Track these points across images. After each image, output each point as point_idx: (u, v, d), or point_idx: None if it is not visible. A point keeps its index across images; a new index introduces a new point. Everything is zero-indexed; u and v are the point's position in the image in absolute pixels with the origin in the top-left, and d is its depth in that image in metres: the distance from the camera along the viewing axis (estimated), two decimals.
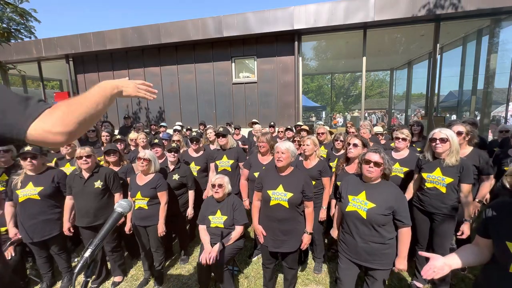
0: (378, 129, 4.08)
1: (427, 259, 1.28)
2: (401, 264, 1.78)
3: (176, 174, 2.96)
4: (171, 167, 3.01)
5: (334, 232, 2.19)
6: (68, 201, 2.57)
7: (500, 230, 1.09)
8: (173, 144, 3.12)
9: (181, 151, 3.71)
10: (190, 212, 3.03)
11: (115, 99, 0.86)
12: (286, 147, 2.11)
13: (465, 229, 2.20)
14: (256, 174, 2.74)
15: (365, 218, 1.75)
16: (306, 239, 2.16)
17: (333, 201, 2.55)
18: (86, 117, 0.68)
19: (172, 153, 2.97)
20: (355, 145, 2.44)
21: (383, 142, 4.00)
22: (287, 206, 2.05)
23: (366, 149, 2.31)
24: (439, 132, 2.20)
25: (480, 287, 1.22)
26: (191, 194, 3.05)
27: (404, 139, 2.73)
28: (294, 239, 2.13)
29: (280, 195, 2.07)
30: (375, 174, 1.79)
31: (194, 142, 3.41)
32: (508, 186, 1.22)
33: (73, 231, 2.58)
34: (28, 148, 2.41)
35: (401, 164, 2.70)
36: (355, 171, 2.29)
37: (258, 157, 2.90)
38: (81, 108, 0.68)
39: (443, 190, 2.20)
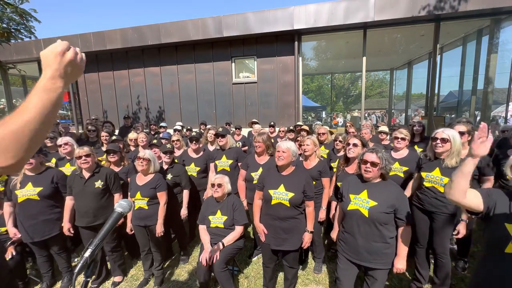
0: (384, 128, 4.03)
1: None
2: (400, 263, 1.78)
3: (170, 174, 2.98)
4: (165, 167, 3.03)
5: (333, 234, 2.19)
6: (69, 202, 2.57)
7: (501, 213, 1.16)
8: (168, 145, 3.13)
9: (181, 151, 3.72)
10: (183, 212, 3.02)
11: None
12: (287, 146, 2.11)
13: (461, 229, 2.21)
14: (253, 175, 2.74)
15: (367, 216, 1.75)
16: (307, 238, 2.17)
17: (333, 203, 2.55)
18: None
19: (168, 155, 2.99)
20: (355, 144, 2.44)
21: (387, 142, 3.96)
22: (288, 205, 2.06)
23: (365, 149, 2.32)
24: (441, 132, 2.19)
25: (478, 279, 1.24)
26: (185, 193, 3.05)
27: (403, 139, 2.74)
28: (296, 237, 2.14)
29: (281, 195, 2.07)
30: (372, 174, 1.80)
31: (194, 142, 3.41)
32: (511, 176, 1.26)
33: (73, 231, 2.58)
34: None
35: (400, 164, 2.70)
36: (355, 171, 2.29)
37: (255, 158, 2.91)
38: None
39: (441, 190, 2.20)
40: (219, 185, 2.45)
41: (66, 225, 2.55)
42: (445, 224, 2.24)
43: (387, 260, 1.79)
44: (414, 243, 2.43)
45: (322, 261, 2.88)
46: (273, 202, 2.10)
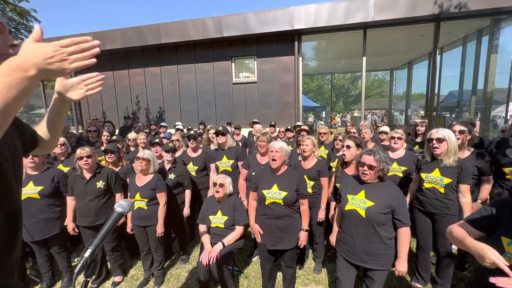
0: (385, 128, 4.01)
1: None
2: (402, 265, 1.76)
3: (172, 174, 2.97)
4: (167, 166, 3.02)
5: (332, 237, 2.15)
6: (70, 202, 2.57)
7: (498, 225, 1.14)
8: (170, 144, 3.13)
9: (180, 151, 3.71)
10: (186, 212, 3.03)
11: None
12: (280, 146, 2.13)
13: None
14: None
15: (364, 216, 1.75)
16: (302, 236, 2.18)
17: (332, 203, 2.56)
18: None
19: (170, 153, 2.98)
20: (348, 146, 2.44)
21: (387, 142, 3.93)
22: (282, 204, 2.08)
23: (360, 149, 2.32)
24: (435, 132, 2.20)
25: (474, 282, 1.24)
26: (187, 193, 3.05)
27: (399, 138, 2.74)
28: (291, 235, 2.15)
29: (275, 194, 2.09)
30: (369, 177, 1.81)
31: (192, 140, 3.41)
32: None
33: (77, 231, 2.60)
34: None
35: (399, 164, 2.70)
36: (354, 172, 2.30)
37: (257, 157, 2.91)
38: None
39: (442, 190, 2.20)
40: (221, 185, 2.45)
41: (70, 225, 2.56)
42: (447, 225, 2.22)
43: (385, 261, 1.78)
44: (414, 245, 2.40)
45: (322, 261, 2.88)
46: (267, 202, 2.12)
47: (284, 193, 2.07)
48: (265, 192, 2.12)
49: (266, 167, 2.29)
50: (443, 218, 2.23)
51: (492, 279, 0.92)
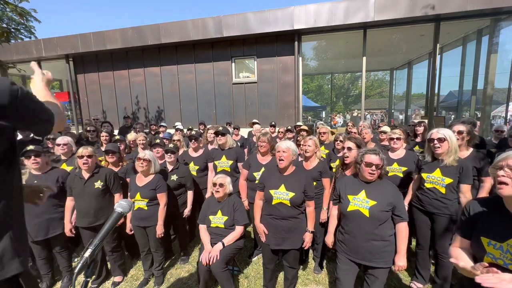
0: (385, 128, 4.00)
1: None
2: (401, 260, 1.78)
3: (175, 175, 2.96)
4: (170, 167, 3.01)
5: (328, 239, 2.12)
6: (69, 203, 2.57)
7: (476, 226, 1.17)
8: (171, 145, 3.12)
9: (181, 151, 3.71)
10: (187, 211, 3.01)
11: None
12: (287, 146, 2.12)
13: None
14: (256, 174, 2.74)
15: (368, 216, 1.76)
16: (308, 238, 2.17)
17: (330, 203, 2.55)
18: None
19: (169, 154, 2.97)
20: (349, 148, 2.43)
21: (387, 142, 3.91)
22: (289, 205, 2.07)
23: (358, 150, 2.31)
24: (436, 133, 2.20)
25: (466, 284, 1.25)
26: (189, 194, 3.04)
27: (398, 139, 2.74)
28: (296, 236, 2.15)
29: (282, 195, 2.08)
30: (375, 176, 1.82)
31: (193, 141, 3.41)
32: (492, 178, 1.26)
33: (74, 232, 2.59)
34: (30, 147, 2.42)
35: (399, 164, 2.70)
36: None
37: (257, 157, 2.90)
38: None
39: (443, 190, 2.21)
40: (221, 185, 2.44)
41: (67, 226, 2.56)
42: (446, 225, 2.24)
43: (388, 259, 1.79)
44: (414, 244, 2.41)
45: (322, 261, 2.88)
46: (274, 202, 2.11)
47: (291, 194, 2.06)
48: (272, 192, 2.11)
49: (273, 166, 2.28)
50: (441, 218, 2.24)
51: (478, 279, 0.93)
